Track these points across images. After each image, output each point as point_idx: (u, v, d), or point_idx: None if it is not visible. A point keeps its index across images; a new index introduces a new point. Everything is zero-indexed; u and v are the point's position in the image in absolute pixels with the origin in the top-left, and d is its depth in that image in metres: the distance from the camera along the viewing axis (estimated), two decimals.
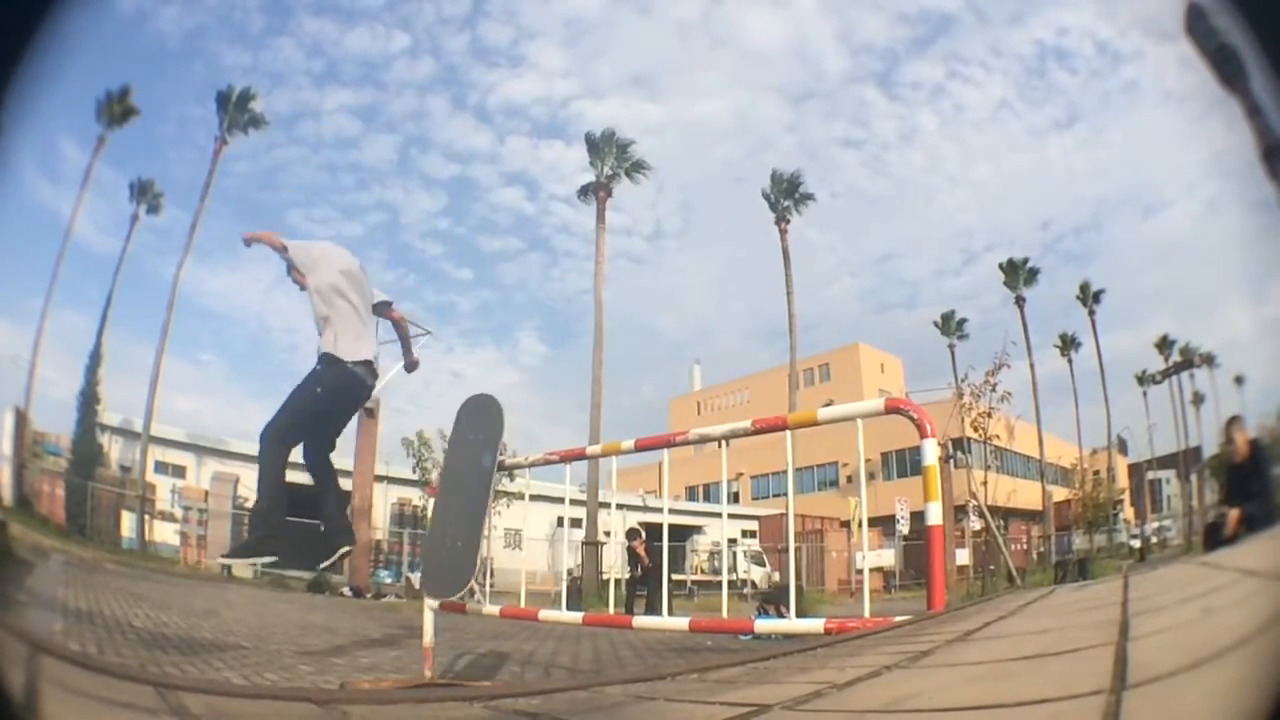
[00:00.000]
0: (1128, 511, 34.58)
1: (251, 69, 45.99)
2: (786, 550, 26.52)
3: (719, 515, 30.46)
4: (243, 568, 21.28)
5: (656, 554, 12.39)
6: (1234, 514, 6.31)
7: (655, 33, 57.59)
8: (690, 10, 56.51)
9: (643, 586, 12.59)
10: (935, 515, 3.13)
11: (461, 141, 54.71)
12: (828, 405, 4.17)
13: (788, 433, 3.92)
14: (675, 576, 22.50)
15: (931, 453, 3.09)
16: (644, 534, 13.11)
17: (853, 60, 57.53)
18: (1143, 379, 35.93)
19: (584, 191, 30.17)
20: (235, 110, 26.79)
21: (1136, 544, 27.94)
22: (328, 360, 5.09)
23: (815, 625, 3.28)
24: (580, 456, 5.33)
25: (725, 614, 3.99)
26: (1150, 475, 30.83)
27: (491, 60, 60.31)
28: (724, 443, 4.06)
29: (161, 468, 23.61)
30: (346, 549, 5.06)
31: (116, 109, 24.72)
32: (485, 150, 60.49)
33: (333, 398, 5.17)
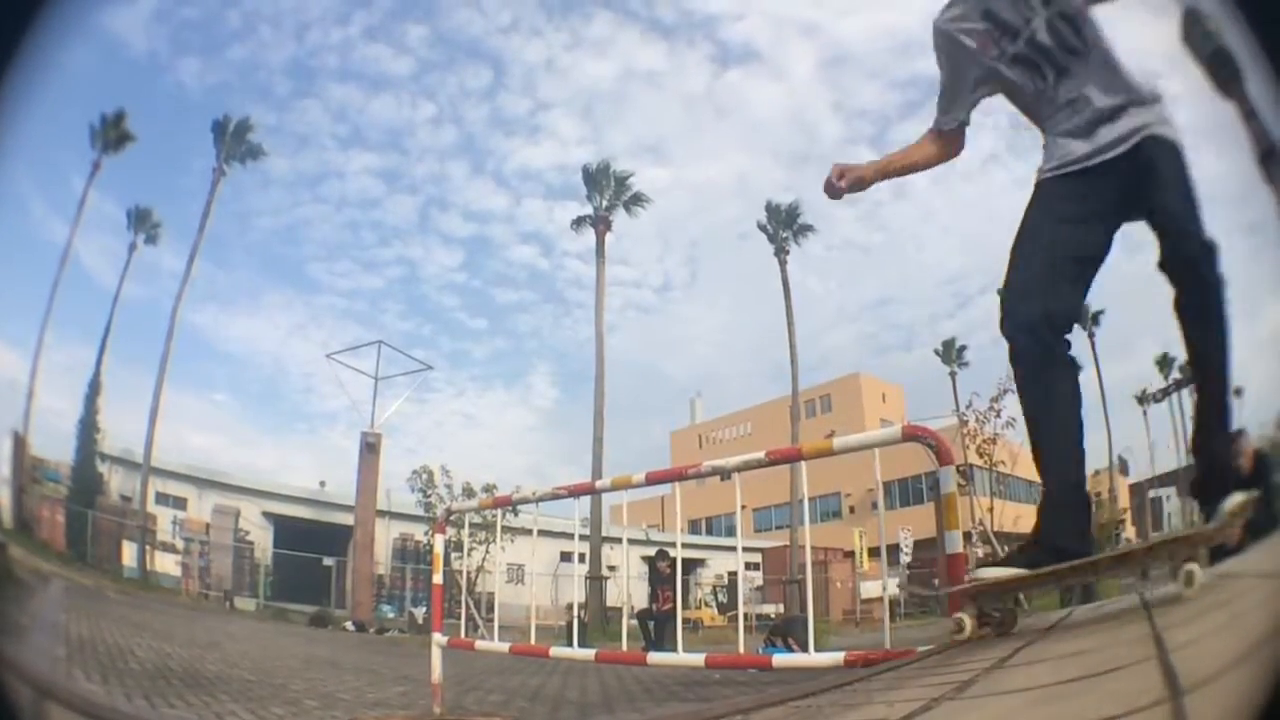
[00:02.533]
0: (1129, 531, 34.31)
1: (276, 129, 47.56)
2: (792, 582, 26.26)
3: (721, 548, 30.22)
4: (245, 601, 21.21)
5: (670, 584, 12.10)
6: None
7: (664, 104, 61.20)
8: (696, 83, 59.83)
9: (662, 619, 12.17)
10: (956, 543, 3.08)
11: (479, 203, 57.31)
12: (829, 436, 4.16)
13: (802, 463, 3.90)
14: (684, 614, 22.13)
15: (951, 480, 3.05)
16: (672, 556, 12.76)
17: (847, 125, 60.66)
18: (1142, 398, 35.79)
19: (578, 222, 30.44)
20: (232, 141, 26.99)
21: None
22: None
23: (835, 659, 3.21)
24: (589, 491, 5.27)
25: (741, 648, 3.93)
26: (1151, 493, 30.61)
27: (510, 129, 63.83)
28: (726, 476, 4.00)
29: (163, 499, 23.47)
30: None
31: (112, 135, 25.06)
32: (502, 211, 63.33)
33: None
